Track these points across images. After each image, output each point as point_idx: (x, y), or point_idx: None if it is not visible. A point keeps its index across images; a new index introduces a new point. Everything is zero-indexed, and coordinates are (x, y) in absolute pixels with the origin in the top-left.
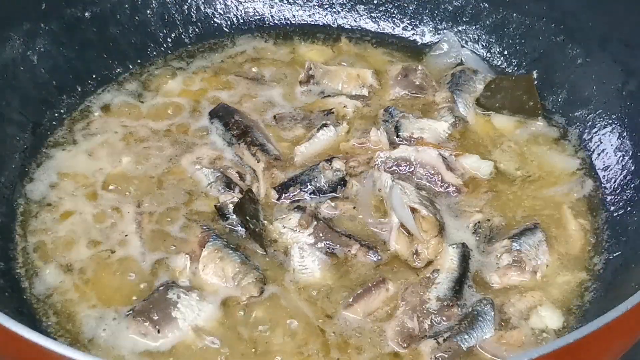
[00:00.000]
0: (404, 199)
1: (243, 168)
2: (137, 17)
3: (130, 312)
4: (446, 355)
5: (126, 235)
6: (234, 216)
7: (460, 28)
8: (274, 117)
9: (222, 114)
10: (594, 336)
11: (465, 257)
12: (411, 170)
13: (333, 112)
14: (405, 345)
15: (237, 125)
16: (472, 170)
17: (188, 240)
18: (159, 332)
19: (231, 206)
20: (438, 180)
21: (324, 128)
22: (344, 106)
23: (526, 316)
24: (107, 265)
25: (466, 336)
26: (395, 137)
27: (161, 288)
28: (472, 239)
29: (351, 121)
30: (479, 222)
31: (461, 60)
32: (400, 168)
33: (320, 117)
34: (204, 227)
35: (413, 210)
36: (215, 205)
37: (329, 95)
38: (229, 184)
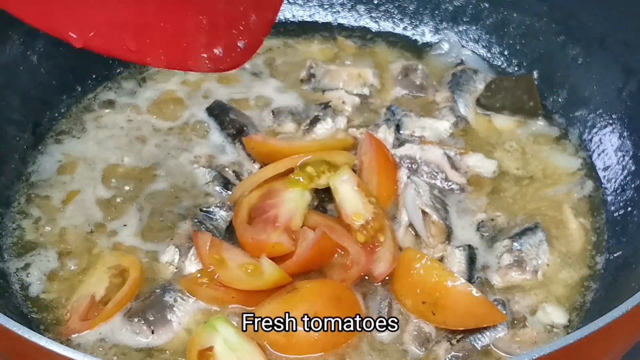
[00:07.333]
0: (417, 200)
1: (240, 167)
2: None
3: (126, 311)
4: (460, 355)
5: (125, 225)
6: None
7: (460, 28)
8: (272, 111)
9: (218, 112)
10: (594, 337)
11: (472, 259)
12: (415, 168)
13: (330, 106)
14: (424, 349)
15: (232, 124)
16: (476, 169)
17: (178, 233)
18: (152, 332)
19: (217, 209)
20: (442, 178)
21: (320, 122)
22: (343, 101)
23: (532, 314)
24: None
25: (479, 335)
26: (395, 136)
27: (158, 290)
28: (475, 237)
29: (351, 118)
30: (482, 221)
31: (461, 60)
32: (405, 166)
33: (317, 111)
34: (196, 221)
35: (424, 213)
36: (200, 209)
37: (328, 89)
38: (226, 184)
